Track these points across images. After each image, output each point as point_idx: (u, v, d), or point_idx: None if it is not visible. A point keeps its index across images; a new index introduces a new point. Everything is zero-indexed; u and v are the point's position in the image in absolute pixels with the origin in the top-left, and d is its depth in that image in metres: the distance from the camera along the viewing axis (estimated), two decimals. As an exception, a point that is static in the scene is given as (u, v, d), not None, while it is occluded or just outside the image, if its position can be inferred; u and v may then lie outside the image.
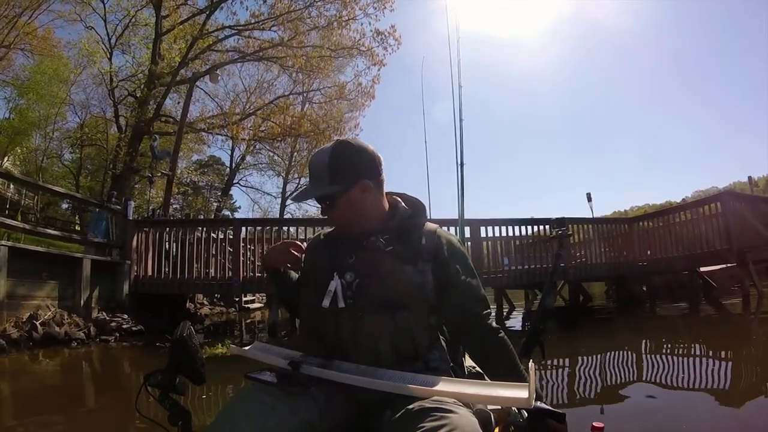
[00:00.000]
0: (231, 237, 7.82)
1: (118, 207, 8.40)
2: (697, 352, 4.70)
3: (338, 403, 1.10)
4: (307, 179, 1.28)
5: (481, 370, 1.28)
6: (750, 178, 15.02)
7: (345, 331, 1.15)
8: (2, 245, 5.34)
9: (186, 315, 8.81)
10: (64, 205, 25.81)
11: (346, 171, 1.19)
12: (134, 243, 7.36)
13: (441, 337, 1.28)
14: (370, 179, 1.21)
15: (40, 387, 4.04)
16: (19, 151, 22.49)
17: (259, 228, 8.37)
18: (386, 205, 1.27)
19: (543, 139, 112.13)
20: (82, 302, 6.29)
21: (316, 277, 1.23)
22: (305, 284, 1.33)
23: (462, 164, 5.08)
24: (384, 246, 1.20)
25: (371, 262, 1.18)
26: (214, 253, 7.94)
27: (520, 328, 7.09)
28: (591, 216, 10.31)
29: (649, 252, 9.22)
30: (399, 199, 1.32)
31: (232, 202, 27.93)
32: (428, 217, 1.31)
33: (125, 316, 6.57)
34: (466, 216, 5.23)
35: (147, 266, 7.44)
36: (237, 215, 26.81)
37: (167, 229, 7.89)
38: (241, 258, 7.48)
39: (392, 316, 1.14)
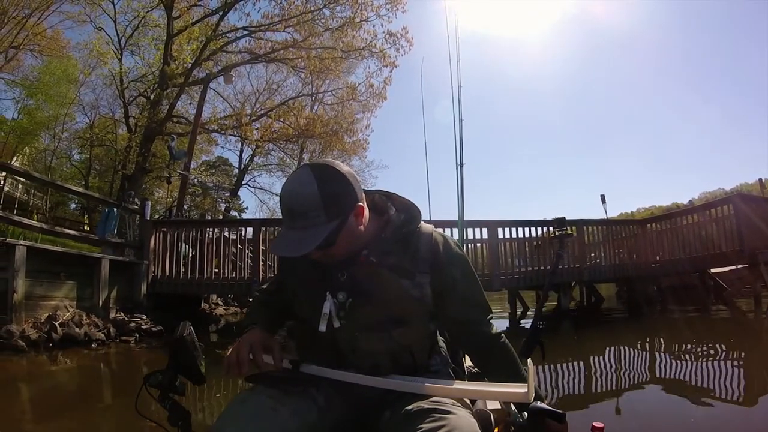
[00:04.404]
0: (250, 237, 7.84)
1: (136, 207, 8.39)
2: (706, 353, 4.66)
3: (337, 404, 1.10)
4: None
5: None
6: (761, 180, 14.76)
7: (342, 349, 1.12)
8: (21, 245, 5.29)
9: (202, 315, 8.88)
10: (73, 205, 26.04)
11: (341, 199, 1.03)
12: (152, 243, 7.40)
13: (440, 337, 1.27)
14: (361, 199, 1.07)
15: (66, 389, 4.03)
16: (28, 151, 22.56)
17: (278, 228, 8.37)
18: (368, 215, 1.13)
19: (546, 140, 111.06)
20: (100, 302, 6.26)
21: (308, 296, 1.14)
22: (294, 299, 1.21)
23: (462, 164, 4.93)
24: (378, 260, 1.09)
25: (365, 278, 1.09)
26: (233, 256, 7.94)
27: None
28: (605, 218, 10.32)
29: (660, 254, 9.20)
30: (389, 203, 1.19)
31: (240, 202, 27.97)
32: (428, 219, 1.24)
33: (144, 317, 6.54)
34: (467, 218, 5.10)
35: (165, 266, 7.48)
36: (245, 216, 26.86)
37: (185, 229, 7.93)
38: (261, 259, 7.50)
39: (390, 333, 1.10)
